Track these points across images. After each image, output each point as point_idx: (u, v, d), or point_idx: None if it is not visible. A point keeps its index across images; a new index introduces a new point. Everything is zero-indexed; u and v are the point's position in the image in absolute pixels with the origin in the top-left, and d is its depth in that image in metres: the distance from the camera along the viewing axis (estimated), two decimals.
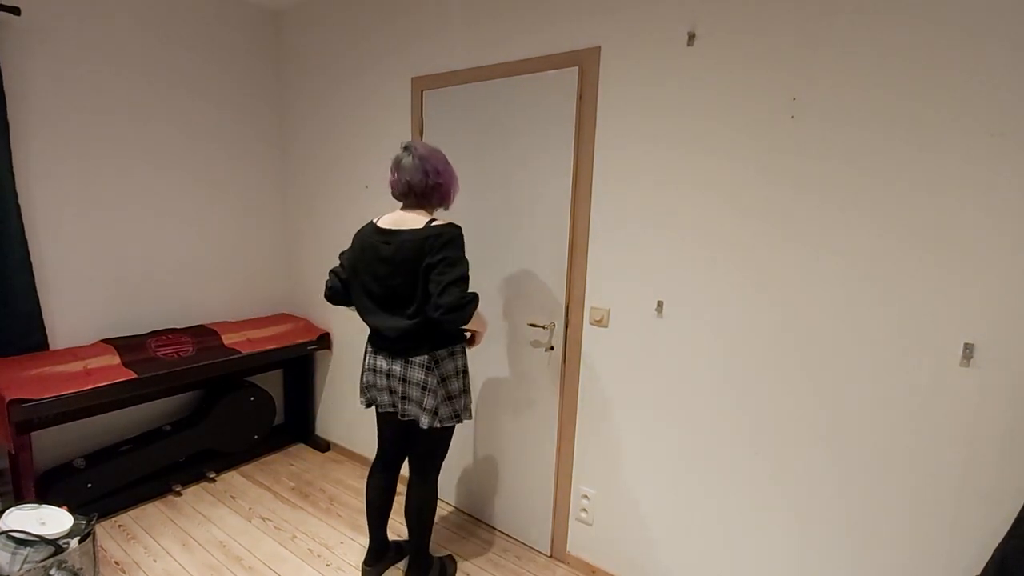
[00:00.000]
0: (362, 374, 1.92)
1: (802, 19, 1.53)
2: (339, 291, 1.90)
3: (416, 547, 1.99)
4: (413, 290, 1.70)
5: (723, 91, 1.68)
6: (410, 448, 1.97)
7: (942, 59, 1.36)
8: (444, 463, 1.99)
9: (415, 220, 1.73)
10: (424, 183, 1.73)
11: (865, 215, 1.50)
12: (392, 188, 1.80)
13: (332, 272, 1.93)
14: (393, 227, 1.74)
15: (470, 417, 1.91)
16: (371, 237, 1.77)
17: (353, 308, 1.89)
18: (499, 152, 2.21)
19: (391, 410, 1.86)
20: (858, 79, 1.47)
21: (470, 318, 1.69)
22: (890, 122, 1.44)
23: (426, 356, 1.75)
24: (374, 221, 1.81)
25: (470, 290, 1.69)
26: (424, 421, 1.77)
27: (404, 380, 1.79)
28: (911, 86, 1.40)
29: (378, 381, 1.86)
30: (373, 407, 1.94)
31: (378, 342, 1.85)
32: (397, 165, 1.76)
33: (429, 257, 1.65)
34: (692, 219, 1.79)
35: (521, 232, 2.19)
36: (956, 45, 1.34)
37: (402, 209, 1.80)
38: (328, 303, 1.97)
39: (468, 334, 1.94)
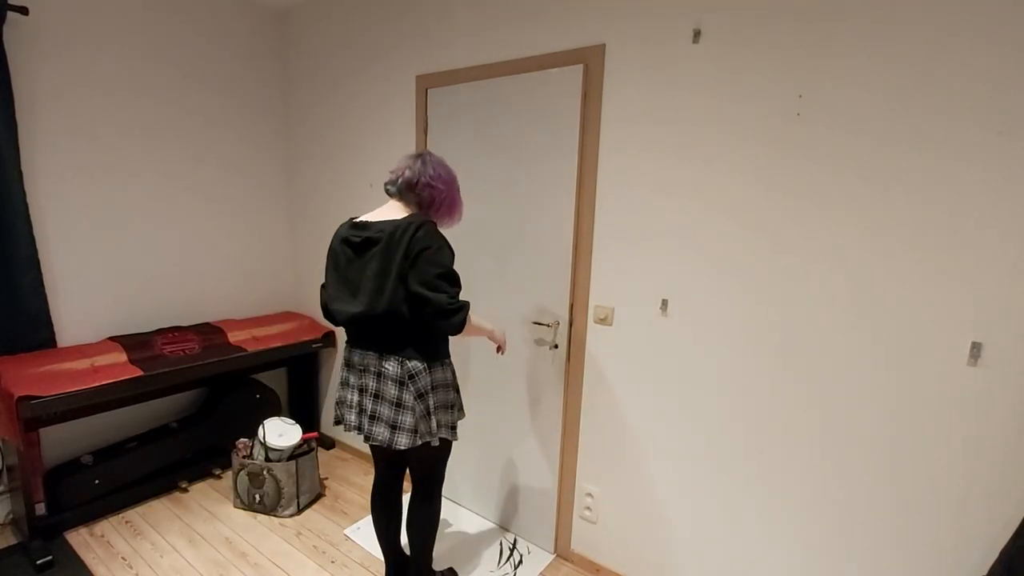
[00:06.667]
0: (338, 387, 1.77)
1: (808, 16, 1.52)
2: (324, 304, 1.76)
3: (417, 564, 1.87)
4: (383, 283, 1.55)
5: (729, 89, 1.67)
6: (408, 467, 1.83)
7: (949, 55, 1.35)
8: (447, 469, 1.91)
9: (392, 212, 1.64)
10: (416, 179, 1.64)
11: (871, 213, 1.49)
12: (387, 183, 1.71)
13: (322, 286, 1.78)
14: (368, 219, 1.65)
15: (454, 437, 1.72)
16: (344, 231, 1.67)
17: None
18: (504, 150, 2.21)
19: (356, 432, 1.68)
20: (866, 76, 1.45)
21: (463, 326, 1.55)
22: (897, 119, 1.43)
23: (399, 369, 1.59)
24: (351, 219, 1.71)
25: (461, 296, 1.58)
26: (401, 442, 1.59)
27: (376, 396, 1.63)
28: (918, 83, 1.39)
29: (348, 397, 1.70)
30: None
31: (352, 335, 1.70)
32: (400, 164, 1.70)
33: (406, 247, 1.51)
34: (698, 216, 1.78)
35: (525, 229, 2.19)
36: (964, 40, 1.33)
37: (392, 198, 1.70)
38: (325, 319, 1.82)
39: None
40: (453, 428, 1.73)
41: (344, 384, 1.73)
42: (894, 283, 1.48)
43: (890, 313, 1.49)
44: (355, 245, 1.62)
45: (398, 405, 1.60)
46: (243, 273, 3.12)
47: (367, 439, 1.65)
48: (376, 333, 1.62)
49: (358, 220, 1.67)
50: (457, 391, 1.76)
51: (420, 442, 1.62)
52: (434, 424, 1.64)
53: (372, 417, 1.64)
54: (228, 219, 3.01)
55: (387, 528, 1.93)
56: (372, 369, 1.64)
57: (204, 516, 2.50)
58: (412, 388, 1.59)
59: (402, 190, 1.67)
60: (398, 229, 1.54)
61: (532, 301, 2.21)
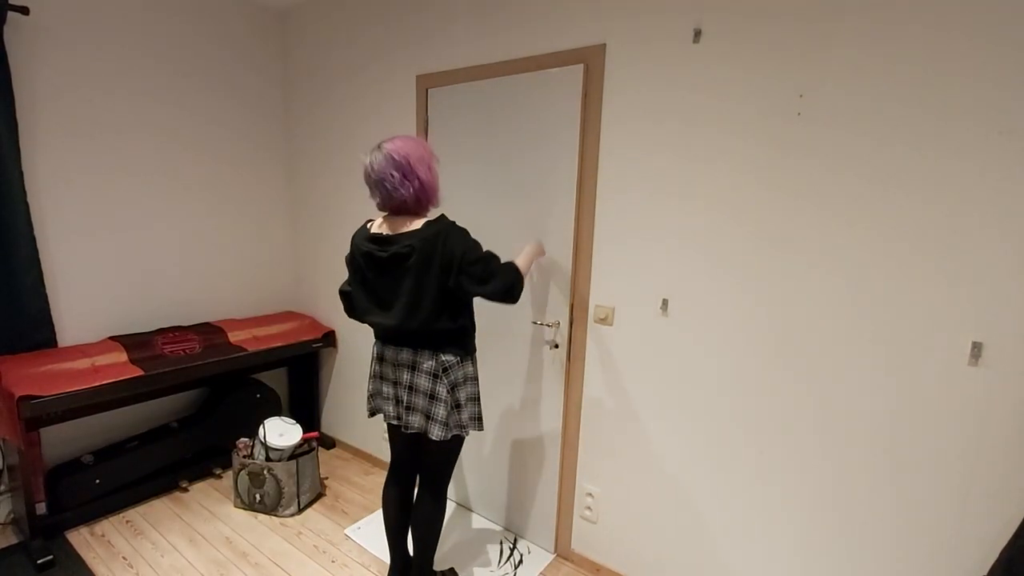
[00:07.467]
0: (369, 380, 1.84)
1: (808, 16, 1.52)
2: (351, 308, 1.84)
3: (419, 562, 1.89)
4: (420, 296, 1.60)
5: (729, 88, 1.67)
6: (421, 460, 1.87)
7: (949, 55, 1.34)
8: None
9: (409, 223, 1.64)
10: (396, 198, 1.61)
11: (871, 212, 1.49)
12: (377, 205, 1.68)
13: (341, 290, 1.86)
14: (386, 232, 1.66)
15: (480, 428, 1.78)
16: (365, 244, 1.67)
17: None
18: (504, 149, 2.20)
19: (395, 422, 1.77)
20: (866, 76, 1.45)
21: (523, 285, 1.70)
22: (897, 119, 1.43)
23: (433, 363, 1.66)
24: (367, 225, 1.74)
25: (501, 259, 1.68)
26: (435, 432, 1.67)
27: (411, 389, 1.70)
28: (918, 83, 1.39)
29: (384, 389, 1.77)
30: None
31: (383, 336, 1.75)
32: (368, 179, 1.64)
33: (443, 262, 1.57)
34: (698, 216, 1.78)
35: (526, 229, 2.19)
36: (964, 40, 1.33)
37: (392, 214, 1.69)
38: (349, 318, 1.89)
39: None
40: (479, 420, 1.79)
41: (377, 377, 1.80)
42: (894, 283, 1.48)
43: (890, 313, 1.49)
44: (382, 260, 1.64)
45: (432, 397, 1.68)
46: (243, 273, 3.12)
47: (405, 429, 1.73)
48: (409, 337, 1.68)
49: (376, 232, 1.68)
50: (476, 382, 1.81)
51: (450, 435, 1.69)
52: (465, 416, 1.72)
53: (408, 408, 1.72)
54: (228, 219, 3.01)
55: (397, 520, 1.94)
56: (406, 363, 1.70)
57: (205, 516, 2.50)
58: (446, 381, 1.67)
59: (397, 209, 1.66)
60: (426, 243, 1.58)
61: (533, 300, 2.21)
